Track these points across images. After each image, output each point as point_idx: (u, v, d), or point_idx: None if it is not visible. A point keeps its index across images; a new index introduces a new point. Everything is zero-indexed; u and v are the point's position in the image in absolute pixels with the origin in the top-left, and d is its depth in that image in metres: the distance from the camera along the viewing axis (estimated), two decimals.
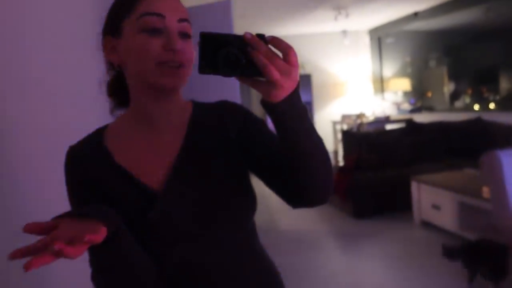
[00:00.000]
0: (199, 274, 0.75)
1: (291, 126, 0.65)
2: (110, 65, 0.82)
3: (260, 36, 0.62)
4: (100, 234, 0.58)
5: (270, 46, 0.62)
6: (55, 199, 1.39)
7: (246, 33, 0.61)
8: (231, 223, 0.78)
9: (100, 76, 2.13)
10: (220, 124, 0.81)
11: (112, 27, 0.77)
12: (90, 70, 1.96)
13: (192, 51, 0.75)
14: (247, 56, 0.61)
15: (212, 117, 0.82)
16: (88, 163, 0.79)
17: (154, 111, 0.78)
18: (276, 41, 0.61)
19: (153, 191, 0.76)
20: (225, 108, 0.83)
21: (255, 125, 0.82)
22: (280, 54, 0.62)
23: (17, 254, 0.55)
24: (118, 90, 0.84)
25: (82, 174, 0.79)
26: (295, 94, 0.64)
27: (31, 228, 0.58)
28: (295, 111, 0.64)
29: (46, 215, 1.30)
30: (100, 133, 0.83)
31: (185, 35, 0.75)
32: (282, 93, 0.62)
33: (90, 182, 0.78)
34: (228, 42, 0.62)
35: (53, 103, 1.51)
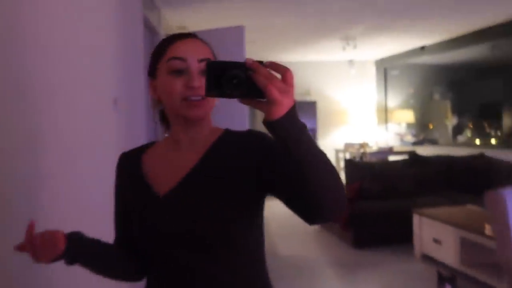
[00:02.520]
0: (180, 278, 0.86)
1: (292, 140, 0.69)
2: (154, 100, 0.95)
3: (260, 62, 0.68)
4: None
5: (269, 69, 0.68)
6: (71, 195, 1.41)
7: (247, 59, 0.68)
8: (221, 238, 0.84)
9: (114, 93, 2.18)
10: (241, 152, 0.88)
11: (151, 70, 0.92)
12: (106, 87, 2.01)
13: None
14: (249, 79, 0.67)
15: (235, 144, 0.90)
16: (124, 170, 0.97)
17: (182, 136, 0.92)
18: (274, 65, 0.68)
19: (157, 196, 0.89)
20: (250, 137, 0.91)
21: (277, 154, 0.87)
22: (279, 76, 0.68)
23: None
24: (164, 118, 0.99)
25: (118, 181, 0.98)
26: (293, 110, 0.69)
27: None
28: (295, 126, 0.69)
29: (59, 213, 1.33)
30: (147, 146, 1.00)
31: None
32: (281, 110, 0.67)
33: (120, 187, 0.97)
34: (231, 68, 0.68)
35: (74, 116, 1.55)
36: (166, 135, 0.98)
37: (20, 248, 0.82)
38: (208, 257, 0.85)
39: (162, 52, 0.88)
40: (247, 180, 0.86)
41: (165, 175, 0.90)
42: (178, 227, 0.85)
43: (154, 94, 0.92)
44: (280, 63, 0.68)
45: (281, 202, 0.84)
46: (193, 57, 0.86)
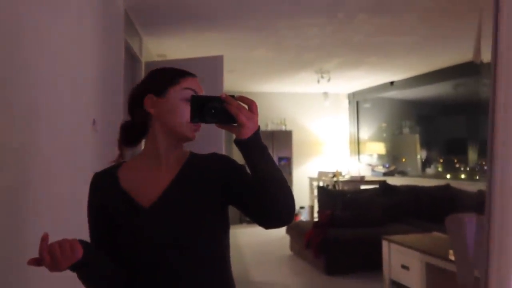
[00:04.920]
0: (167, 279, 0.97)
1: (255, 156, 0.89)
2: (142, 114, 1.04)
3: (232, 95, 0.89)
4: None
5: (239, 102, 0.88)
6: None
7: (222, 93, 0.89)
8: (199, 242, 0.98)
9: (93, 114, 2.25)
10: (207, 169, 1.05)
11: (158, 89, 1.03)
12: (86, 108, 2.08)
13: None
14: (224, 109, 0.87)
15: (204, 163, 1.07)
16: (101, 189, 1.05)
17: (163, 153, 1.04)
18: (243, 98, 0.89)
19: (142, 208, 1.00)
20: (214, 158, 1.09)
21: (237, 170, 1.05)
22: (246, 107, 0.88)
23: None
24: (135, 133, 1.07)
25: (96, 198, 1.05)
26: (257, 133, 0.89)
27: None
28: (257, 145, 0.89)
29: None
30: (119, 165, 1.09)
31: None
32: (247, 132, 0.88)
33: (100, 206, 1.03)
34: (210, 100, 0.89)
35: (54, 134, 1.61)
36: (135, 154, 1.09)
37: (36, 262, 0.84)
38: (189, 258, 0.98)
39: (176, 80, 1.03)
40: (214, 193, 1.02)
41: (145, 189, 1.02)
42: (164, 233, 0.97)
43: (152, 109, 1.02)
44: (247, 97, 0.88)
45: (239, 209, 1.01)
46: (199, 91, 1.05)
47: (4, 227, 1.22)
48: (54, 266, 0.84)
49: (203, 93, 1.04)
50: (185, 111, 0.99)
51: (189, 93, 1.01)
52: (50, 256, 0.83)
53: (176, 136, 1.03)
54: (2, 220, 1.21)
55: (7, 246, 1.22)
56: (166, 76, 1.05)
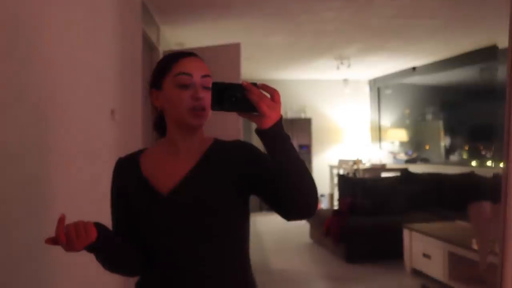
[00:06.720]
0: (186, 265, 0.98)
1: (277, 147, 0.87)
2: (154, 108, 1.08)
3: (254, 83, 0.86)
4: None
5: (261, 90, 0.85)
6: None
7: (243, 81, 0.86)
8: (218, 229, 0.99)
9: (112, 105, 2.27)
10: (229, 157, 1.04)
11: (155, 82, 1.05)
12: (104, 99, 2.11)
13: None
14: (245, 97, 0.85)
15: (226, 151, 1.06)
16: (123, 173, 1.07)
17: (180, 141, 1.04)
18: (265, 86, 0.86)
19: (161, 195, 1.00)
20: (238, 145, 1.07)
21: (259, 159, 1.03)
22: (268, 95, 0.86)
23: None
24: (159, 125, 1.10)
25: (117, 183, 1.07)
26: (279, 123, 0.87)
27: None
28: (279, 135, 0.87)
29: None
30: (141, 151, 1.11)
31: (206, 87, 1.01)
32: (269, 122, 0.85)
33: (120, 190, 1.06)
34: (231, 88, 0.86)
35: (73, 126, 1.64)
36: (159, 140, 1.09)
37: (53, 241, 0.88)
38: (210, 246, 0.98)
39: (168, 68, 1.01)
40: (234, 181, 1.01)
41: (165, 176, 1.02)
42: (179, 221, 0.98)
43: (156, 103, 1.05)
44: (270, 85, 0.85)
45: (261, 199, 0.99)
46: (197, 73, 1.00)
47: (25, 218, 1.25)
48: (69, 247, 0.88)
49: (205, 73, 1.02)
50: (182, 98, 0.98)
51: (182, 79, 0.99)
52: (66, 237, 0.87)
53: (181, 125, 1.02)
54: (23, 211, 1.24)
55: (28, 236, 1.25)
56: (160, 67, 1.05)
